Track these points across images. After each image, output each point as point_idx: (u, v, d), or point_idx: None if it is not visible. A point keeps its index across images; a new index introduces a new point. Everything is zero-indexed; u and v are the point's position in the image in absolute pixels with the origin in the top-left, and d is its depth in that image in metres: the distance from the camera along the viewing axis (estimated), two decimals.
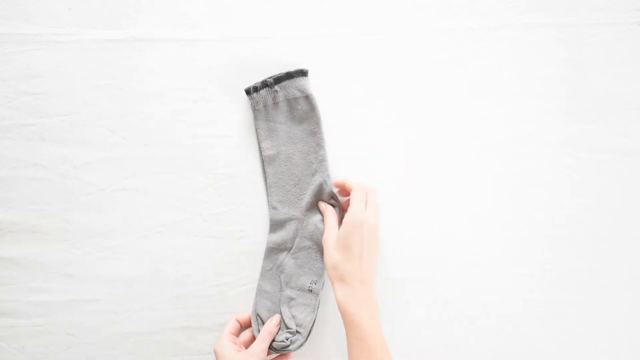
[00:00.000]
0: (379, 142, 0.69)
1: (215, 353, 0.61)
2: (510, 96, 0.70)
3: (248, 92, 0.68)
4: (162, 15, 0.70)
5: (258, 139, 0.68)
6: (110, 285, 0.68)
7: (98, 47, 0.69)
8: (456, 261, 0.68)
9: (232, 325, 0.64)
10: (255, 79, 0.69)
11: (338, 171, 0.68)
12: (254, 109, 0.68)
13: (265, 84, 0.67)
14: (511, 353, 0.67)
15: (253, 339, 0.64)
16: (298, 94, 0.67)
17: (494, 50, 0.70)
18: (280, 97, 0.67)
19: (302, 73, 0.67)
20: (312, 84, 0.68)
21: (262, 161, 0.68)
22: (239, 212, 0.68)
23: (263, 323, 0.64)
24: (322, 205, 0.66)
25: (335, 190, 0.66)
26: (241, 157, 0.69)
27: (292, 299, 0.65)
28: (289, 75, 0.67)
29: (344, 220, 0.60)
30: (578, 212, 0.69)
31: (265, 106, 0.67)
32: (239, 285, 0.68)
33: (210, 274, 0.68)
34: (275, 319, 0.64)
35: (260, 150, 0.68)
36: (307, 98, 0.67)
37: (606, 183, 0.69)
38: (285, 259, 0.66)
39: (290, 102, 0.67)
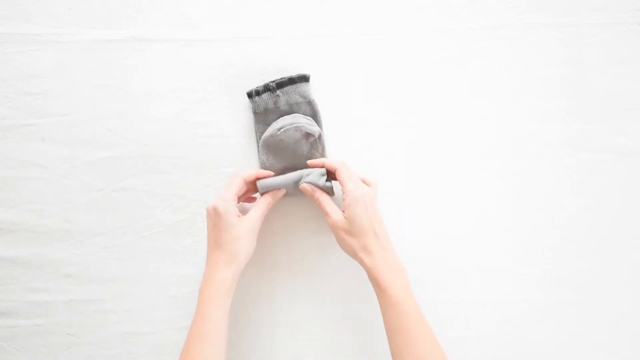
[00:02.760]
0: (379, 142, 0.69)
1: (216, 210, 0.58)
2: (510, 96, 0.70)
3: (250, 95, 0.67)
4: (162, 15, 0.70)
5: (257, 142, 0.68)
6: (110, 285, 0.68)
7: (98, 47, 0.69)
8: (456, 261, 0.68)
9: (239, 187, 0.61)
10: (255, 79, 0.69)
11: None
12: (255, 112, 0.68)
13: (267, 88, 0.67)
14: (511, 353, 0.67)
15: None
16: (300, 100, 0.67)
17: (494, 50, 0.70)
18: (282, 102, 0.67)
19: (305, 78, 0.67)
20: (313, 84, 0.68)
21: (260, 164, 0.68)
22: None
23: None
24: (309, 189, 0.62)
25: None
26: (241, 157, 0.69)
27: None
28: (292, 81, 0.66)
29: (346, 201, 0.60)
30: (578, 212, 0.69)
31: (266, 110, 0.67)
32: (238, 285, 0.68)
33: None
34: (280, 193, 0.64)
35: (259, 154, 0.67)
36: (310, 103, 0.67)
37: (606, 183, 0.69)
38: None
39: (292, 107, 0.67)
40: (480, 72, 0.70)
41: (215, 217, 0.59)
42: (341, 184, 0.61)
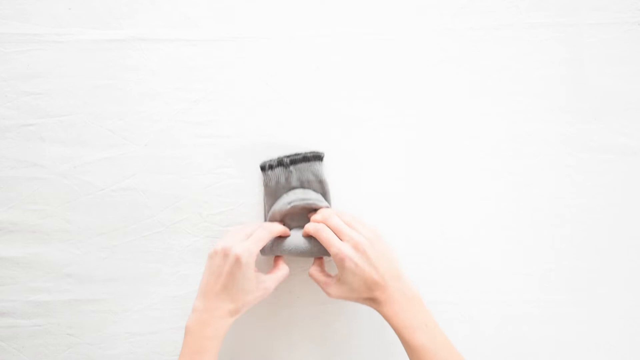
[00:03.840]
0: (378, 142, 0.69)
1: (238, 260, 0.56)
2: (510, 96, 0.70)
3: (263, 168, 0.67)
4: (162, 15, 0.70)
5: (265, 212, 0.67)
6: (110, 285, 0.68)
7: (98, 47, 0.69)
8: (456, 261, 0.68)
9: (265, 243, 0.61)
10: (255, 80, 0.69)
11: (338, 172, 0.68)
12: (266, 185, 0.67)
13: (280, 163, 0.66)
14: (512, 353, 0.67)
15: None
16: (312, 178, 0.66)
17: (494, 50, 0.70)
18: (293, 179, 0.66)
19: (319, 158, 0.66)
20: (313, 84, 0.68)
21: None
22: (239, 212, 0.68)
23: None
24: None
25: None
26: (241, 157, 0.69)
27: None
28: (306, 159, 0.66)
29: (336, 265, 0.59)
30: (578, 212, 0.69)
31: (277, 184, 0.66)
32: None
33: None
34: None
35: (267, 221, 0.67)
36: (321, 183, 0.66)
37: (606, 183, 0.69)
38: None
39: (304, 184, 0.66)
40: (480, 72, 0.70)
41: (234, 265, 0.56)
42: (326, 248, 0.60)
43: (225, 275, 0.57)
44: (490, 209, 0.69)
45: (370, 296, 0.58)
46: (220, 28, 0.70)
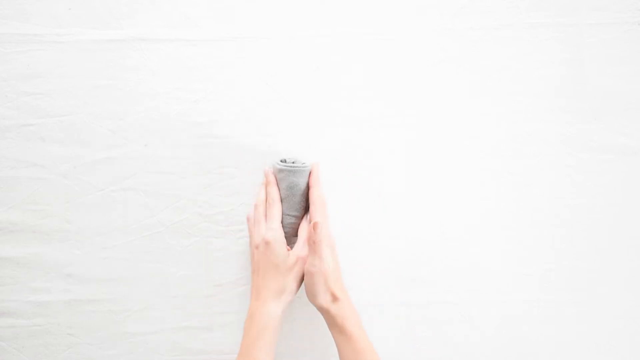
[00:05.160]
0: (378, 142, 0.69)
1: (266, 241, 0.60)
2: (510, 96, 0.70)
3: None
4: (162, 15, 0.70)
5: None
6: (110, 285, 0.68)
7: (98, 47, 0.69)
8: (456, 261, 0.68)
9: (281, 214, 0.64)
10: (255, 80, 0.69)
11: (338, 172, 0.68)
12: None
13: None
14: (512, 353, 0.67)
15: None
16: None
17: (494, 50, 0.70)
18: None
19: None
20: (313, 84, 0.68)
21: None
22: (239, 212, 0.68)
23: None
24: (318, 228, 0.61)
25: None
26: (241, 157, 0.69)
27: None
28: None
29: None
30: (578, 212, 0.69)
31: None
32: (239, 285, 0.68)
33: (210, 274, 0.68)
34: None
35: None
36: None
37: (606, 183, 0.69)
38: None
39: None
40: (480, 72, 0.70)
41: (265, 249, 0.60)
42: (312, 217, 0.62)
43: (262, 261, 0.61)
44: (490, 209, 0.69)
45: (334, 287, 0.58)
46: (220, 28, 0.70)
